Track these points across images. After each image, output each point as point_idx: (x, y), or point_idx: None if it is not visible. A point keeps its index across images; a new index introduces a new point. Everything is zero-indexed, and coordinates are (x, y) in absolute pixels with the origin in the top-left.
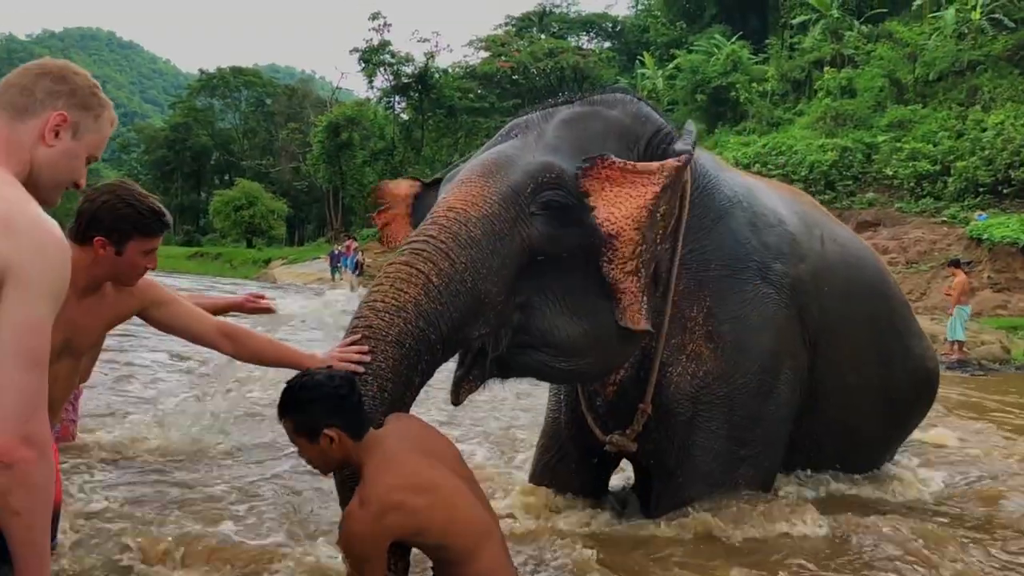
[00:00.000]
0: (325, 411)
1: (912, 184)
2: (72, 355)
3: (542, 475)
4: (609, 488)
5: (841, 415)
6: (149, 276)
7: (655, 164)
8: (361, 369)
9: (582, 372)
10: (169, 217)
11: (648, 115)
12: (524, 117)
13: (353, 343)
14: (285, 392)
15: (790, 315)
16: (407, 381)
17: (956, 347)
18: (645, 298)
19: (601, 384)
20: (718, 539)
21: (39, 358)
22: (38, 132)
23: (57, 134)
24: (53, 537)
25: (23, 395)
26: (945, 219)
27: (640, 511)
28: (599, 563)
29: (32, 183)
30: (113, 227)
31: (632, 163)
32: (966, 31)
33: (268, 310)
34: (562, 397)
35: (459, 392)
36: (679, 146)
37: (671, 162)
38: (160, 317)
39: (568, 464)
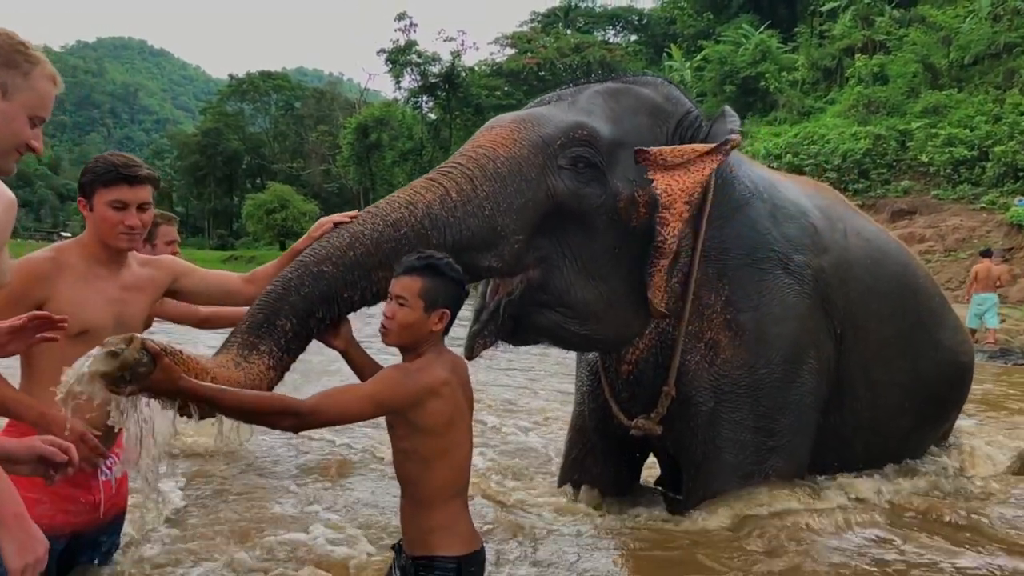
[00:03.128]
0: (453, 295)
1: (949, 171)
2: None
3: (571, 469)
4: (639, 482)
5: (868, 410)
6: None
7: (711, 146)
8: (346, 219)
9: (595, 338)
10: (138, 170)
11: (679, 98)
12: (555, 92)
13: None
14: (428, 257)
15: (813, 306)
16: (384, 261)
17: (990, 334)
18: (670, 280)
19: (616, 361)
20: (747, 535)
21: None
22: None
23: None
24: (115, 541)
25: None
26: (984, 205)
27: (665, 505)
28: (624, 558)
29: None
30: (82, 184)
31: (690, 147)
32: (1001, 12)
33: None
34: (585, 390)
35: (473, 347)
36: (730, 125)
37: (728, 140)
38: (192, 286)
39: (596, 457)
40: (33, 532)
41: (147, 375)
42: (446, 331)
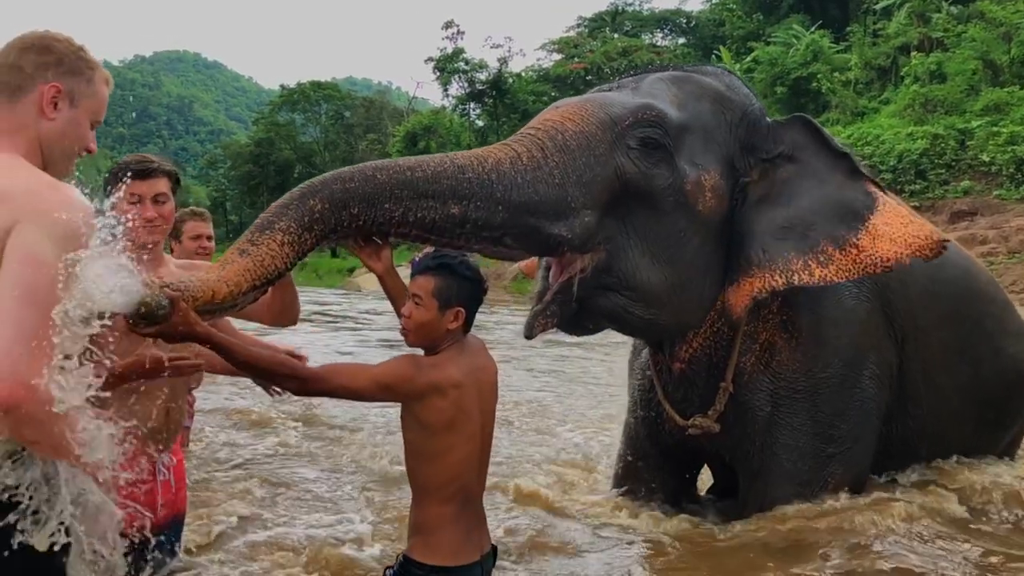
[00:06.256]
0: (469, 292)
1: (1012, 170)
2: None
3: (624, 477)
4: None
5: (932, 417)
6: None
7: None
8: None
9: (658, 323)
10: (148, 164)
11: (740, 87)
12: (615, 81)
13: None
14: (442, 256)
15: (872, 309)
16: (439, 193)
17: None
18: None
19: (670, 359)
20: (798, 543)
21: (37, 295)
22: (37, 108)
23: (56, 106)
24: (174, 546)
25: (19, 330)
26: None
27: (716, 513)
28: (667, 567)
29: (45, 158)
30: (104, 188)
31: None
32: None
33: None
34: (638, 396)
35: (533, 327)
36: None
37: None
38: None
39: (649, 465)
40: None
41: (166, 318)
42: (467, 329)
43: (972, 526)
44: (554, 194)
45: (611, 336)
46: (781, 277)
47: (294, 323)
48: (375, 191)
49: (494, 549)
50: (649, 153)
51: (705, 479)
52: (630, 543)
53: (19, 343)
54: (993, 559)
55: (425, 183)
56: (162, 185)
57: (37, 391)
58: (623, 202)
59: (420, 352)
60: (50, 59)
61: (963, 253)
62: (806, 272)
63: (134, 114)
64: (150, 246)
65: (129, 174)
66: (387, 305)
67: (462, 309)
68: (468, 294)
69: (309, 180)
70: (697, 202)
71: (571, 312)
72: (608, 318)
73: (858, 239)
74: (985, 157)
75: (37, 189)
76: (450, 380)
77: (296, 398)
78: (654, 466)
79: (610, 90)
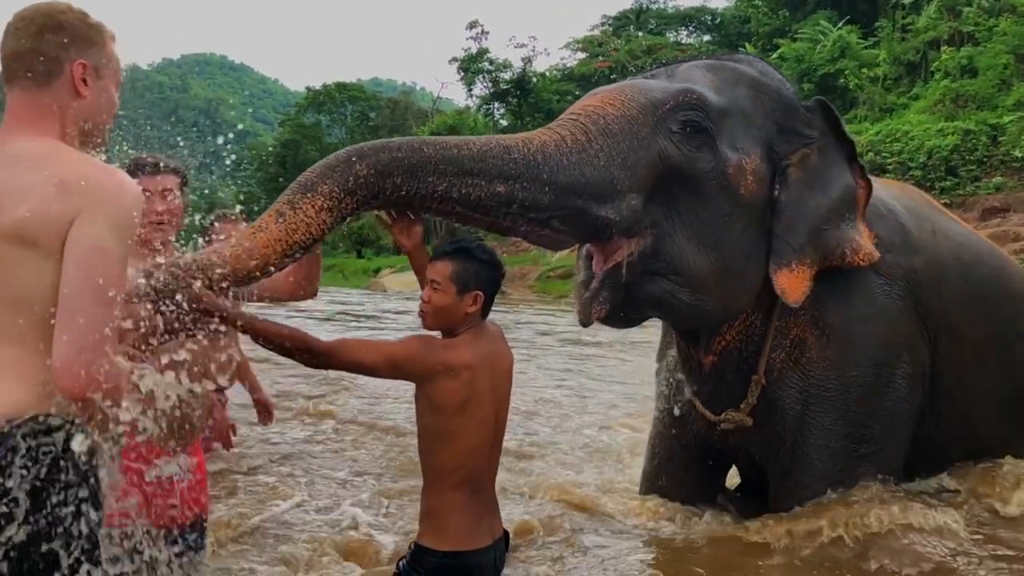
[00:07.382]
0: (487, 277)
1: None
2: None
3: (651, 478)
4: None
5: (964, 418)
6: None
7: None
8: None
9: (704, 309)
10: (156, 160)
11: (773, 73)
12: (647, 72)
13: None
14: (460, 241)
15: (904, 307)
16: (483, 171)
17: None
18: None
19: (703, 352)
20: (812, 538)
21: (105, 285)
22: (70, 89)
23: (85, 82)
24: (198, 545)
25: (91, 323)
26: None
27: (744, 513)
28: (688, 566)
29: (84, 133)
30: None
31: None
32: None
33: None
34: (666, 394)
35: (589, 313)
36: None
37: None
38: None
39: (677, 464)
40: None
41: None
42: (485, 313)
43: (991, 525)
44: (600, 176)
45: (629, 335)
46: (837, 263)
47: (314, 295)
48: (420, 163)
49: (506, 535)
50: (691, 137)
51: (732, 479)
52: (651, 541)
53: (91, 336)
54: (1016, 564)
55: (471, 160)
56: (168, 181)
57: (105, 379)
58: (667, 186)
59: (437, 334)
60: (66, 36)
61: (997, 252)
62: (843, 260)
63: (162, 117)
64: (159, 244)
65: (135, 172)
66: (409, 304)
67: (481, 293)
68: (486, 278)
69: (356, 145)
70: (739, 186)
71: (617, 300)
72: (654, 305)
73: (868, 227)
74: (1017, 153)
75: (95, 177)
76: (462, 362)
77: (319, 391)
78: (682, 465)
79: (644, 79)
